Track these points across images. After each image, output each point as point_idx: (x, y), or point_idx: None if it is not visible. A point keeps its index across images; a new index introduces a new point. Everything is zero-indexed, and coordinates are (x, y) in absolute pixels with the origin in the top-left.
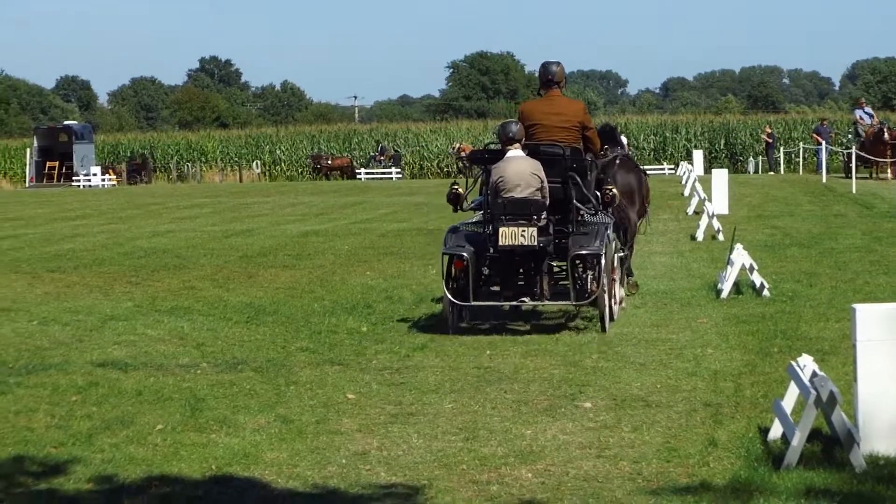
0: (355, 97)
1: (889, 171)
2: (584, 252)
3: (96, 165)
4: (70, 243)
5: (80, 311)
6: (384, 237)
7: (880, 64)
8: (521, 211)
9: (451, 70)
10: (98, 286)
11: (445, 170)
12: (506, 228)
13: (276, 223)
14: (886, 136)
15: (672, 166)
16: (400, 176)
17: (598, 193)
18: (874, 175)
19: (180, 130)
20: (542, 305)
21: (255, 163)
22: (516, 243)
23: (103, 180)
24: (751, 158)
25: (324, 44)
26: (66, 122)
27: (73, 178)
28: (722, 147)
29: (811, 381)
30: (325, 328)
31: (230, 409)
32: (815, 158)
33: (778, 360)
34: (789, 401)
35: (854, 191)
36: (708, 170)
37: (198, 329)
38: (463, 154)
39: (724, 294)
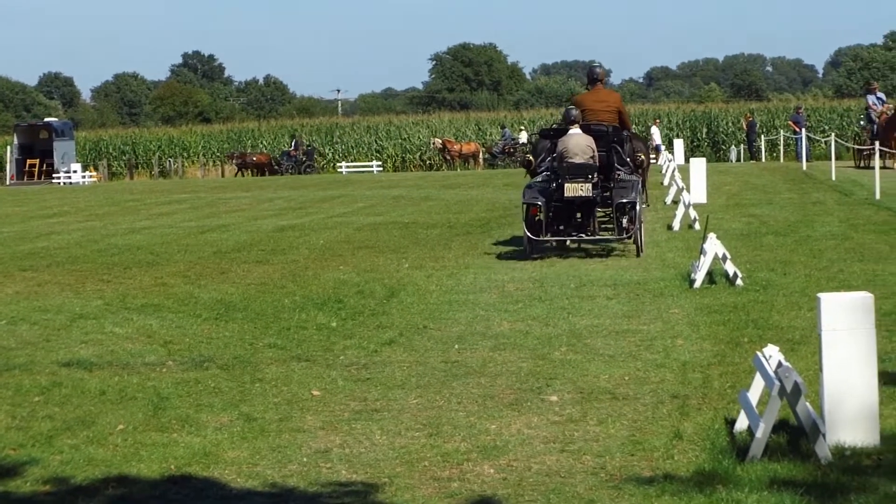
0: (338, 91)
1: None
2: (624, 201)
3: (77, 162)
4: (45, 241)
5: (50, 309)
6: (360, 231)
7: (863, 51)
8: (579, 172)
9: (434, 62)
10: (69, 284)
11: (428, 162)
12: (569, 184)
13: (253, 218)
14: None
15: (653, 155)
16: (381, 169)
17: (630, 159)
18: (884, 165)
19: (163, 126)
20: (593, 239)
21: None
22: (576, 195)
23: (83, 177)
24: (732, 147)
25: (307, 38)
26: (46, 119)
27: (54, 175)
28: (704, 136)
29: (776, 371)
30: (295, 324)
31: (193, 407)
32: (795, 146)
33: (748, 351)
34: (756, 392)
35: (834, 178)
36: (689, 159)
37: (166, 326)
38: (445, 147)
39: (697, 284)
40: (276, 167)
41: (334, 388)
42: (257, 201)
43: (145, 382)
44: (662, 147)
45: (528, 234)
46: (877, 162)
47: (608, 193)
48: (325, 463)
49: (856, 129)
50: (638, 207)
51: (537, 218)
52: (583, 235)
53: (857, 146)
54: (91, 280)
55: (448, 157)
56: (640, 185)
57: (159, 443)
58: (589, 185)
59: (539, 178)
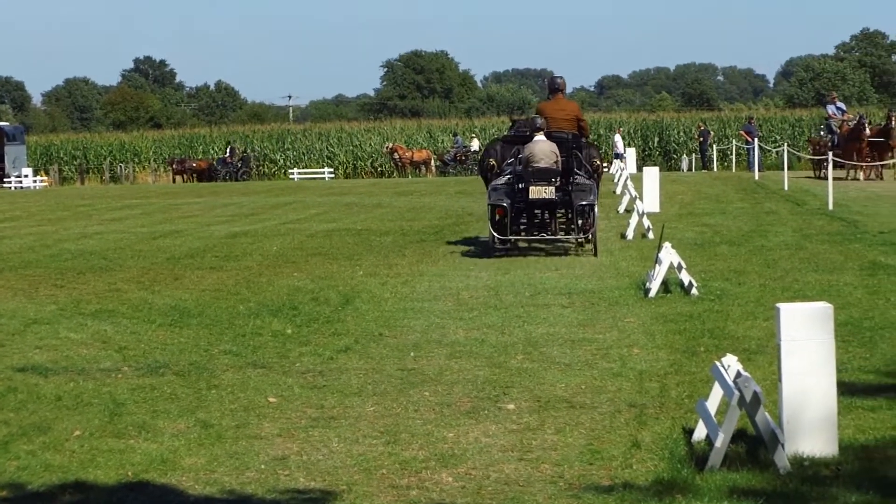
0: (290, 97)
1: (862, 172)
2: (584, 203)
3: (28, 167)
4: None
5: (4, 314)
6: (313, 238)
7: (814, 61)
8: (544, 176)
9: (386, 69)
10: (22, 289)
11: (379, 169)
12: (534, 187)
13: (206, 224)
14: (867, 130)
15: (605, 164)
16: (332, 176)
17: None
18: (847, 176)
19: (114, 131)
20: (554, 238)
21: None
22: (541, 197)
23: (35, 181)
24: (684, 156)
25: (259, 44)
26: None
27: (5, 179)
28: (656, 145)
29: (735, 381)
30: (250, 330)
31: (150, 413)
32: (747, 156)
33: (704, 360)
34: (714, 401)
35: (786, 188)
36: (641, 167)
37: (121, 332)
38: (396, 154)
39: (652, 293)
40: (213, 174)
41: (291, 395)
42: (209, 207)
43: (101, 388)
44: (625, 156)
45: (494, 233)
46: (830, 172)
47: (567, 196)
48: (283, 470)
49: (807, 139)
50: (596, 209)
51: (497, 217)
52: (545, 235)
53: (814, 156)
54: (44, 285)
55: (399, 164)
56: (596, 189)
57: (116, 449)
58: (552, 188)
59: (501, 181)
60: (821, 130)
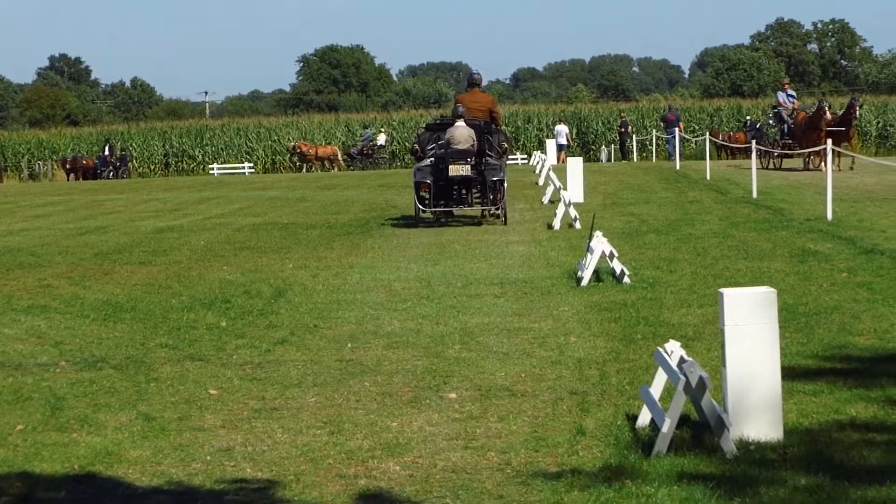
0: (206, 93)
1: (822, 160)
2: (495, 178)
3: None
4: None
5: None
6: (240, 232)
7: (729, 52)
8: (462, 156)
9: (302, 64)
10: None
11: (297, 164)
12: (454, 165)
13: (130, 220)
14: (828, 116)
15: (525, 156)
16: (252, 170)
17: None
18: (806, 166)
19: (31, 129)
20: (470, 209)
21: None
22: (459, 174)
23: None
24: (603, 147)
25: (174, 40)
26: None
27: None
28: (574, 136)
29: (680, 366)
30: (184, 324)
31: (91, 407)
32: (666, 146)
33: (642, 347)
34: (657, 387)
35: (709, 177)
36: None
37: (55, 327)
38: (300, 150)
39: (585, 282)
40: (99, 172)
41: (231, 387)
42: (132, 203)
43: (40, 383)
44: (567, 146)
45: (420, 206)
46: (753, 161)
47: (480, 174)
48: (229, 461)
49: (725, 128)
50: (505, 185)
51: (422, 193)
52: (462, 207)
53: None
54: None
55: (306, 160)
56: (505, 168)
57: (60, 442)
58: (468, 167)
59: (425, 163)
60: (770, 119)
